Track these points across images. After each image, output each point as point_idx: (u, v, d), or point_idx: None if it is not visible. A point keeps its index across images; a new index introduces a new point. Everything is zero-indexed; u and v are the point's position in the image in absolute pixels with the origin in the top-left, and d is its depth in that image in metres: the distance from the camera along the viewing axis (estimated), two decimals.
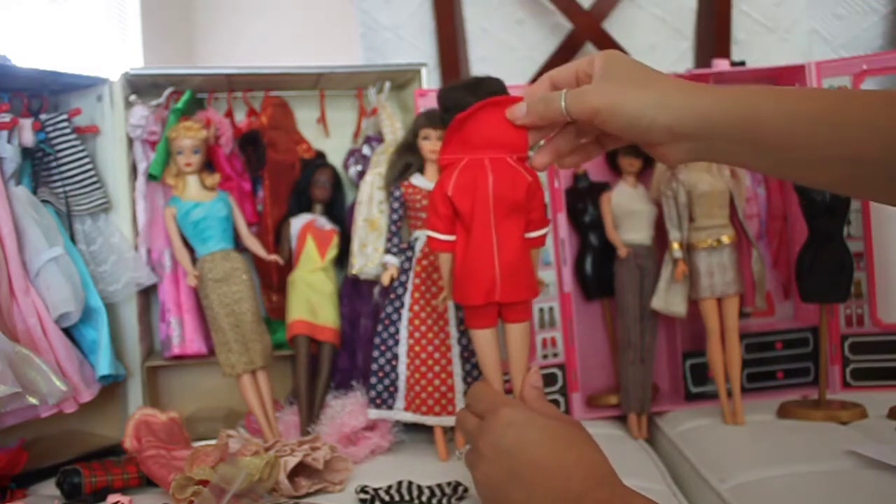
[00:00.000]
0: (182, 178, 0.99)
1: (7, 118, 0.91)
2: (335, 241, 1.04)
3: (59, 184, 0.97)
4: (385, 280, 0.95)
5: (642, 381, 1.01)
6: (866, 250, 1.06)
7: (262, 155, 1.08)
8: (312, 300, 1.00)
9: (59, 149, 0.97)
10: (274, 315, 1.09)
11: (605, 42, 1.48)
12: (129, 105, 1.03)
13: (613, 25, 1.51)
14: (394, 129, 1.05)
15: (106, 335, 0.95)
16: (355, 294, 1.04)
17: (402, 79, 1.13)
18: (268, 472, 0.73)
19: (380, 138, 1.08)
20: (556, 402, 1.04)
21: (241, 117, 1.12)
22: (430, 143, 0.95)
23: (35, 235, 0.90)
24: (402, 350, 0.92)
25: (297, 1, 3.03)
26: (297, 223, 1.05)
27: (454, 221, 0.74)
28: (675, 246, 0.99)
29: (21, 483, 0.84)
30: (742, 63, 1.12)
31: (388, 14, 1.55)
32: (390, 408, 0.92)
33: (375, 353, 0.92)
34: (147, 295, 1.08)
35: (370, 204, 1.01)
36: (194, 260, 0.99)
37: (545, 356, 1.06)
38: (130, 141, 1.03)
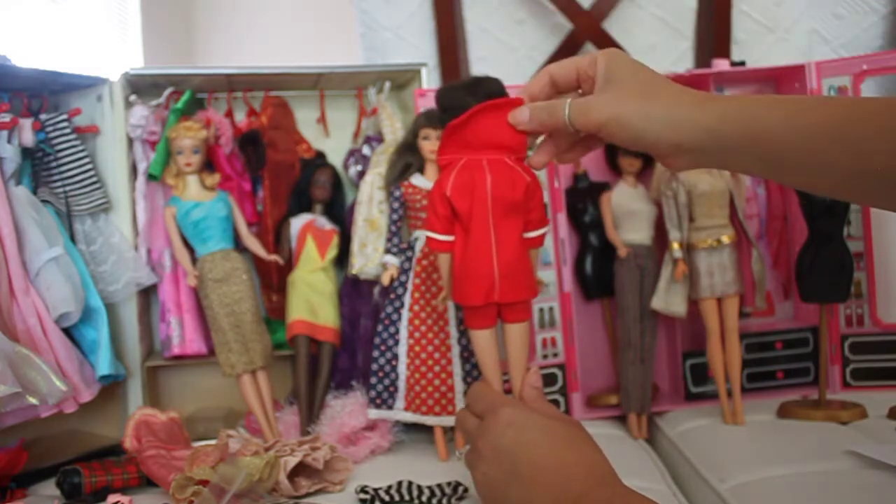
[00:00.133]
0: (182, 178, 0.99)
1: (7, 118, 0.91)
2: (335, 241, 1.04)
3: (59, 184, 0.97)
4: (385, 280, 0.95)
5: (642, 381, 1.01)
6: (866, 250, 1.06)
7: (262, 155, 1.08)
8: (312, 300, 1.00)
9: (59, 149, 0.97)
10: (274, 315, 1.09)
11: (605, 42, 1.48)
12: (129, 105, 1.03)
13: (613, 25, 1.51)
14: (394, 129, 1.05)
15: (106, 335, 0.95)
16: (355, 294, 1.04)
17: (402, 79, 1.13)
18: (268, 472, 0.73)
19: (380, 138, 1.08)
20: (556, 402, 1.04)
21: (241, 117, 1.12)
22: (430, 143, 0.95)
23: (35, 235, 0.90)
24: (402, 350, 0.92)
25: (297, 1, 3.03)
26: (297, 223, 1.05)
27: (453, 222, 0.74)
28: (675, 246, 0.99)
29: (21, 483, 0.84)
30: (742, 63, 1.12)
31: (388, 14, 1.54)
32: (390, 408, 0.92)
33: (375, 353, 0.92)
34: (147, 295, 1.08)
35: (370, 204, 1.01)
36: (194, 260, 0.99)
37: (545, 356, 1.06)
38: (130, 141, 1.03)
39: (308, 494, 0.79)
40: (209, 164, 1.04)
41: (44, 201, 0.96)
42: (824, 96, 1.03)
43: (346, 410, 0.93)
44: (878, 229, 1.06)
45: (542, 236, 0.76)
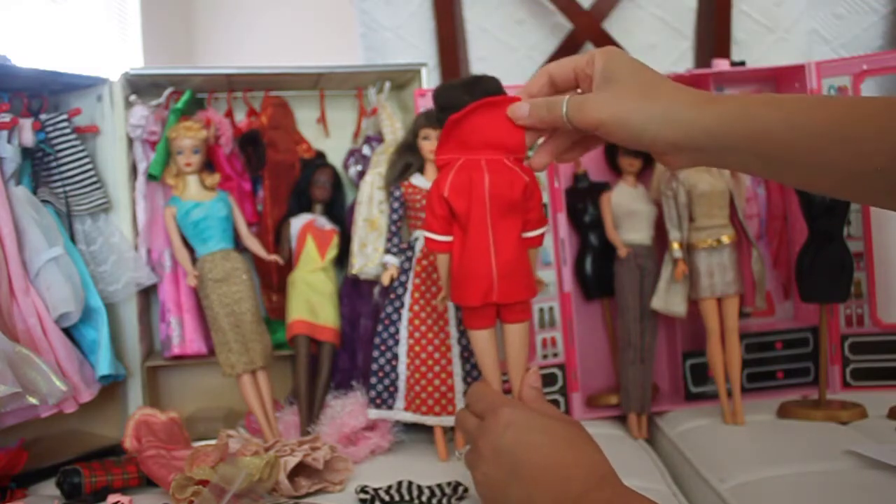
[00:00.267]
0: (182, 178, 0.99)
1: (7, 118, 0.91)
2: (335, 241, 1.04)
3: (59, 184, 0.97)
4: (385, 280, 0.95)
5: (642, 381, 1.01)
6: (866, 250, 1.06)
7: (262, 155, 1.08)
8: (312, 300, 1.00)
9: (59, 149, 0.97)
10: (274, 315, 1.09)
11: (605, 42, 1.47)
12: (129, 105, 1.03)
13: (613, 25, 1.51)
14: (394, 129, 1.05)
15: (106, 335, 0.95)
16: (355, 294, 1.04)
17: (402, 79, 1.13)
18: (268, 472, 0.73)
19: (380, 138, 1.08)
20: (555, 402, 1.04)
21: (241, 117, 1.12)
22: (430, 143, 0.95)
23: (35, 235, 0.90)
24: (402, 350, 0.92)
25: (297, 1, 3.03)
26: (297, 223, 1.05)
27: (451, 222, 0.74)
28: (675, 246, 0.99)
29: (21, 483, 0.84)
30: (742, 63, 1.12)
31: (388, 14, 1.54)
32: (390, 408, 0.92)
33: (375, 353, 0.92)
34: (147, 295, 1.08)
35: (370, 204, 1.01)
36: (194, 260, 0.99)
37: (545, 356, 1.06)
38: (130, 141, 1.03)
39: (308, 494, 0.79)
40: (209, 164, 1.04)
41: (44, 201, 0.96)
42: (824, 96, 1.03)
43: (346, 410, 0.93)
44: (878, 229, 1.06)
45: (542, 236, 0.76)
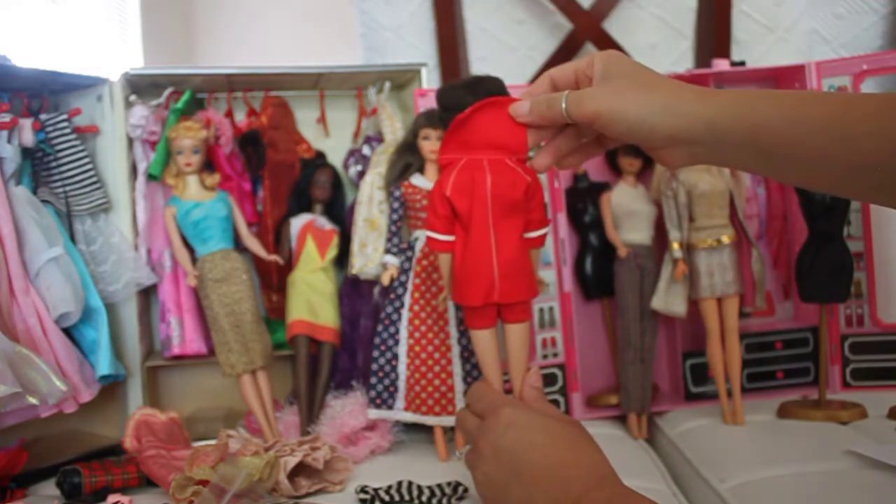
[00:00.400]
0: (182, 178, 0.99)
1: (7, 118, 0.91)
2: (335, 241, 1.04)
3: (59, 184, 0.97)
4: (385, 280, 0.95)
5: (642, 381, 1.01)
6: (866, 250, 1.06)
7: (262, 155, 1.08)
8: (312, 300, 1.00)
9: (59, 149, 0.97)
10: (274, 315, 1.09)
11: (605, 42, 1.48)
12: (129, 105, 1.03)
13: (613, 25, 1.51)
14: (394, 129, 1.05)
15: (106, 335, 0.95)
16: (355, 294, 1.04)
17: (402, 79, 1.13)
18: (268, 472, 0.73)
19: (380, 138, 1.08)
20: (555, 402, 1.04)
21: (241, 117, 1.12)
22: (430, 143, 0.95)
23: (35, 235, 0.90)
24: (402, 350, 0.92)
25: (297, 1, 3.03)
26: (297, 223, 1.05)
27: (453, 222, 0.74)
28: (675, 246, 0.99)
29: (21, 483, 0.84)
30: (742, 63, 1.12)
31: (388, 14, 1.54)
32: (390, 408, 0.92)
33: (375, 353, 0.92)
34: (147, 295, 1.08)
35: (370, 204, 1.01)
36: (194, 260, 0.99)
37: (545, 356, 1.06)
38: (130, 141, 1.03)
39: (308, 494, 0.79)
40: (209, 164, 1.04)
41: (44, 201, 0.96)
42: (825, 92, 1.03)
43: (346, 410, 0.93)
44: (878, 229, 1.06)
45: (543, 236, 0.76)
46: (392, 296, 0.94)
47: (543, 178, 1.06)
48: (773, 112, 0.57)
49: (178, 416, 0.97)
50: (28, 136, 0.94)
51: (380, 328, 0.93)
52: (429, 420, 0.91)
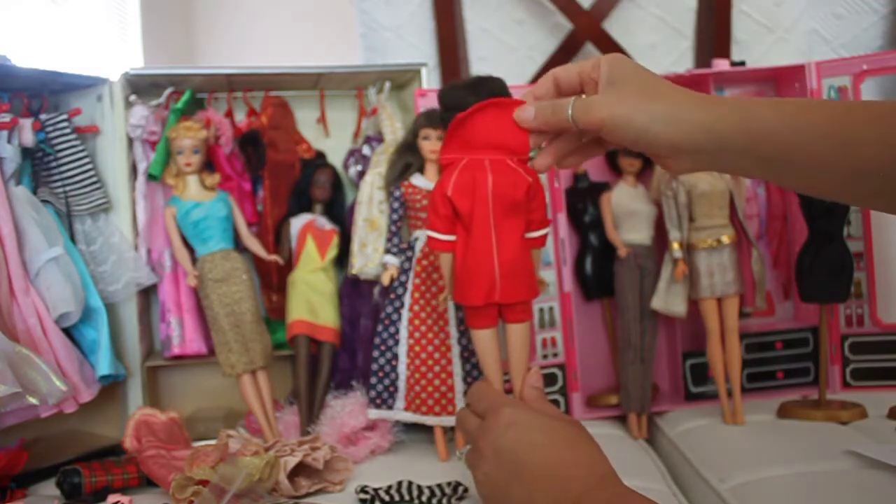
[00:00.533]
0: (182, 178, 0.99)
1: (7, 118, 0.91)
2: (335, 241, 1.04)
3: (59, 184, 0.97)
4: (385, 280, 0.95)
5: (642, 381, 1.01)
6: (866, 250, 1.06)
7: (262, 155, 1.08)
8: (312, 300, 1.00)
9: (59, 149, 0.97)
10: (274, 315, 1.09)
11: (605, 42, 1.48)
12: (129, 105, 1.03)
13: (613, 25, 1.51)
14: (394, 129, 1.05)
15: (106, 335, 0.95)
16: (355, 294, 1.04)
17: (402, 79, 1.13)
18: (268, 472, 0.73)
19: (380, 138, 1.08)
20: (556, 402, 1.04)
21: (241, 117, 1.12)
22: (430, 143, 0.95)
23: (35, 235, 0.90)
24: (402, 350, 0.92)
25: (297, 1, 3.03)
26: (297, 223, 1.05)
27: (454, 221, 0.74)
28: (675, 246, 0.99)
29: (21, 483, 0.84)
30: (742, 63, 1.12)
31: (388, 14, 1.54)
32: (390, 408, 0.92)
33: (375, 353, 0.92)
34: (147, 295, 1.08)
35: (370, 204, 1.01)
36: (194, 260, 0.99)
37: (545, 356, 1.06)
38: (130, 141, 1.03)
39: (308, 494, 0.79)
40: (209, 164, 1.04)
41: (44, 201, 0.96)
42: (826, 99, 1.03)
43: (346, 410, 0.93)
44: (878, 229, 1.06)
45: (544, 237, 0.76)
46: (392, 296, 0.94)
47: (543, 178, 1.05)
48: (773, 119, 0.57)
49: (178, 416, 0.97)
50: (28, 136, 0.94)
51: (380, 328, 0.93)
52: (429, 420, 0.91)
